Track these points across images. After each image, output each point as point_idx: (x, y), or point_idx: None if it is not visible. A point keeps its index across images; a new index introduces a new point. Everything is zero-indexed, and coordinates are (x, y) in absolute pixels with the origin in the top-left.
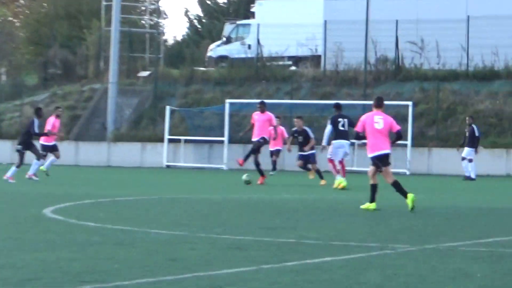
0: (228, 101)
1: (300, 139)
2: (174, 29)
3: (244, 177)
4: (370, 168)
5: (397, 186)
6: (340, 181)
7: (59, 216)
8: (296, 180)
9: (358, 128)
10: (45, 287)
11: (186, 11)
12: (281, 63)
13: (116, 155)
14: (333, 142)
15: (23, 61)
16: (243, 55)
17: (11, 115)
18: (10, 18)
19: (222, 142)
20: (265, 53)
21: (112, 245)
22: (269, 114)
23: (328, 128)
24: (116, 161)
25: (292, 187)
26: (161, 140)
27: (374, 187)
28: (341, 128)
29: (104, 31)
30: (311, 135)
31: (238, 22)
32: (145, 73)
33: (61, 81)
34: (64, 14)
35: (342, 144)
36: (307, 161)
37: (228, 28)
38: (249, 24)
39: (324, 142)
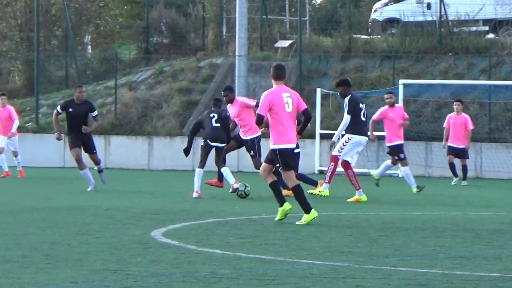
0: (401, 81)
1: None
2: None
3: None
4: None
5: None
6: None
7: (174, 240)
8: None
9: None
10: None
11: None
12: (473, 29)
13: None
14: (352, 136)
15: (116, 26)
16: (420, 18)
17: (102, 101)
18: None
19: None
20: (451, 15)
21: (247, 280)
22: None
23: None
24: (249, 164)
25: (493, 201)
26: (310, 136)
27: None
28: (363, 119)
29: None
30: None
31: None
32: (285, 43)
33: (169, 54)
34: None
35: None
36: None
37: None
38: None
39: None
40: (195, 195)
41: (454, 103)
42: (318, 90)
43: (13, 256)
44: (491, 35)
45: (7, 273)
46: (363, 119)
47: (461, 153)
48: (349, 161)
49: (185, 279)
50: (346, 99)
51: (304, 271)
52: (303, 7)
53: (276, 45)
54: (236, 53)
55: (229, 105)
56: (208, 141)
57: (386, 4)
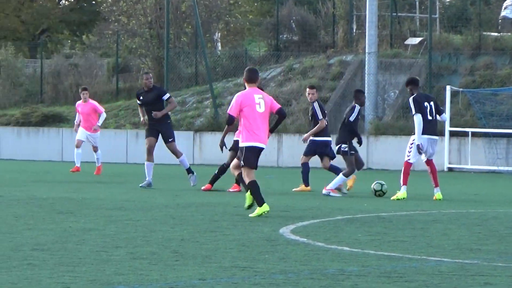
0: None
1: None
2: None
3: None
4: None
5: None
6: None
7: (302, 237)
8: None
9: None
10: None
11: None
12: None
13: (378, 153)
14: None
15: (245, 23)
16: None
17: (232, 97)
18: None
19: None
20: None
21: (375, 277)
22: None
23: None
24: (378, 161)
25: None
26: (440, 133)
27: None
28: (429, 117)
29: None
30: None
31: None
32: (415, 40)
33: (298, 51)
34: None
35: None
36: None
37: None
38: None
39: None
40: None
41: None
42: (448, 88)
43: (142, 253)
44: None
45: (135, 270)
46: (429, 118)
47: None
48: (412, 162)
49: (313, 276)
50: (410, 99)
51: (432, 268)
52: (433, 4)
53: (406, 42)
54: (366, 50)
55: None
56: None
57: None
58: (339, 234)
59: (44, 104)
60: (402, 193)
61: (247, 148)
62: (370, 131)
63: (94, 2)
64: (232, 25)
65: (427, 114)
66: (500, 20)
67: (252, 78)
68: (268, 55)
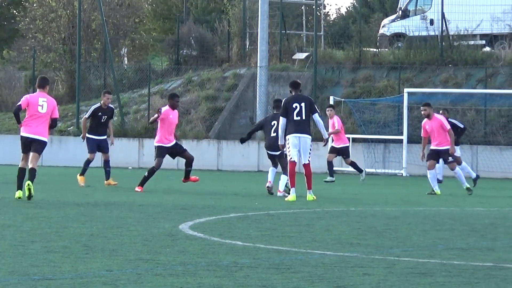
0: (406, 90)
1: None
2: (337, 0)
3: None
4: None
5: None
6: None
7: (199, 233)
8: (494, 190)
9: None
10: None
11: None
12: (472, 42)
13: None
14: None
15: (149, 40)
16: (424, 33)
17: (137, 107)
18: None
19: (400, 141)
20: (452, 30)
21: (265, 268)
22: None
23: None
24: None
25: (487, 198)
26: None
27: None
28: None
29: (250, 2)
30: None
31: None
32: (302, 55)
33: (197, 65)
34: None
35: None
36: None
37: None
38: None
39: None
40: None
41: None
42: (331, 98)
43: (55, 247)
44: (487, 48)
45: (49, 262)
46: (297, 118)
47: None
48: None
49: (209, 268)
50: (283, 100)
51: (316, 260)
52: (318, 23)
53: (294, 57)
54: (258, 64)
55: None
56: (267, 150)
57: (393, 20)
58: (233, 230)
59: None
60: (292, 196)
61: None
62: (262, 137)
63: (13, 21)
64: (137, 42)
65: (294, 115)
66: (378, 37)
67: (41, 84)
68: (170, 68)
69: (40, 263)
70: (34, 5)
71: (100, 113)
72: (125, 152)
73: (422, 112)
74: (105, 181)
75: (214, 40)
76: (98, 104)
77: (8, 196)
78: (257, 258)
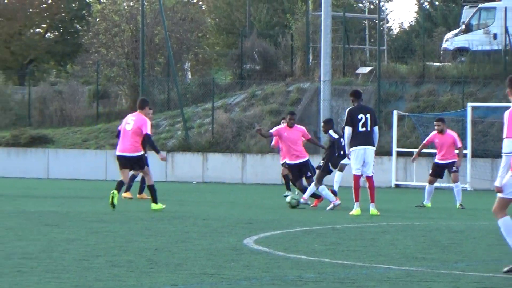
0: (470, 104)
1: None
2: (400, 15)
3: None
4: None
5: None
6: None
7: (264, 247)
8: None
9: None
10: None
11: None
12: None
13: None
14: None
15: (213, 54)
16: (487, 47)
17: (201, 121)
18: (195, 0)
19: (464, 156)
20: None
21: (330, 283)
22: None
23: None
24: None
25: None
26: (387, 153)
27: None
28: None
29: (313, 17)
30: None
31: (480, 5)
32: (365, 70)
33: (260, 79)
34: None
35: None
36: None
37: (467, 13)
38: (494, 8)
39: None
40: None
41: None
42: (395, 112)
43: (120, 261)
44: None
45: (113, 277)
46: (362, 129)
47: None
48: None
49: (274, 282)
50: (346, 110)
51: (381, 275)
52: (381, 37)
53: (357, 71)
54: (321, 79)
55: (285, 128)
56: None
57: (456, 35)
58: (298, 244)
59: (32, 127)
60: (356, 210)
61: None
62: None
63: (76, 35)
64: (200, 56)
65: (359, 126)
66: (441, 52)
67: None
68: (233, 83)
69: (104, 277)
70: (98, 19)
71: None
72: (189, 167)
73: (436, 128)
74: (138, 195)
75: (278, 55)
76: None
77: (73, 211)
78: (322, 273)
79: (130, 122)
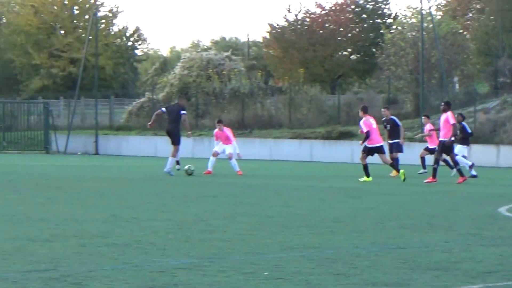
0: None
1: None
2: None
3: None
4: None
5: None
6: None
7: None
8: None
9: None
10: (503, 280)
11: None
12: None
13: None
14: None
15: (475, 70)
16: None
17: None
18: (461, 31)
19: None
20: None
21: None
22: None
23: None
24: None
25: None
26: None
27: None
28: None
29: None
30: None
31: None
32: None
33: (510, 89)
34: (510, 27)
35: None
36: None
37: None
38: None
39: None
40: None
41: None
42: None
43: (407, 224)
44: None
45: (401, 236)
46: None
47: None
48: None
49: None
50: None
51: None
52: None
53: None
54: None
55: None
56: None
57: None
58: None
59: (340, 125)
60: None
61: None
62: None
63: (373, 57)
64: (465, 72)
65: None
66: None
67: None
68: (490, 92)
69: (394, 236)
70: (389, 45)
71: (385, 123)
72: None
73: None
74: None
75: None
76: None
77: (367, 186)
78: None
79: (373, 122)
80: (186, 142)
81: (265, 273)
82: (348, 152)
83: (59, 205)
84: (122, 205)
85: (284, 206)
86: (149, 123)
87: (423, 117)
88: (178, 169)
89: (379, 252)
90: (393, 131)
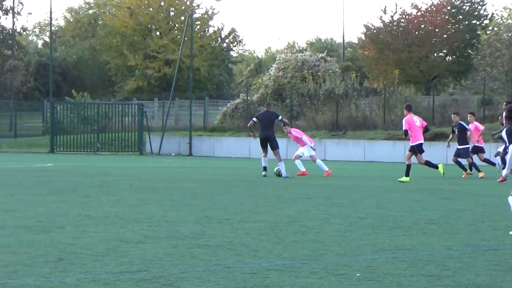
0: None
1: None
2: None
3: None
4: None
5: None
6: None
7: None
8: None
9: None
10: None
11: None
12: None
13: None
14: None
15: None
16: None
17: None
18: None
19: None
20: None
21: None
22: None
23: None
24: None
25: None
26: None
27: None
28: None
29: None
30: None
31: None
32: None
33: None
34: None
35: None
36: None
37: None
38: None
39: None
40: None
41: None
42: None
43: (499, 226)
44: None
45: (495, 237)
46: None
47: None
48: None
49: None
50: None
51: None
52: None
53: None
54: None
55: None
56: None
57: None
58: None
59: (434, 126)
60: None
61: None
62: None
63: (468, 58)
64: None
65: None
66: None
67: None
68: None
69: (487, 237)
70: (484, 46)
71: (453, 128)
72: None
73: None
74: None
75: None
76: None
77: (460, 188)
78: None
79: (417, 120)
80: (280, 144)
81: (357, 274)
82: (442, 153)
83: (152, 206)
84: (214, 206)
85: (377, 208)
86: (252, 135)
87: (468, 115)
88: (264, 175)
89: (472, 254)
90: (461, 136)
